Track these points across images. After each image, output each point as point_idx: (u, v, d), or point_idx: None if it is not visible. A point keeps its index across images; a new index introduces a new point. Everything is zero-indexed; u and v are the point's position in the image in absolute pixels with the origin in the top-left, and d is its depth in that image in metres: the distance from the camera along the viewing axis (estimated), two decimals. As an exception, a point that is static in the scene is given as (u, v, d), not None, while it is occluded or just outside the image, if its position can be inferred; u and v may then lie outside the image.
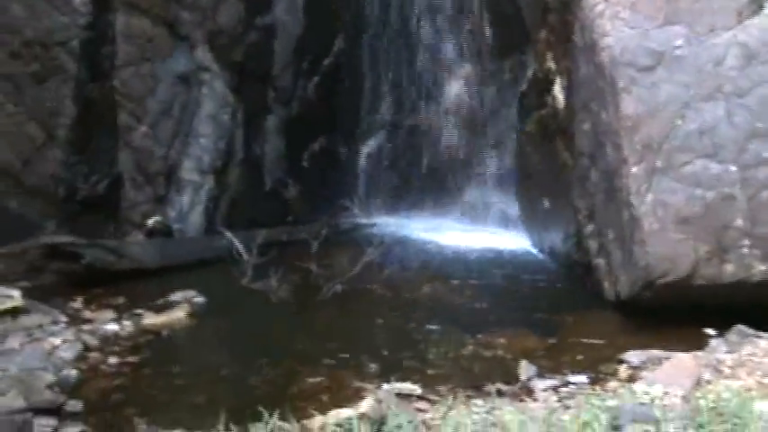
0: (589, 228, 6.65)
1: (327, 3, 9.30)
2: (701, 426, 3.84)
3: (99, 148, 7.91)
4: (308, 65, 9.23)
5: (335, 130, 9.51)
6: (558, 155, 7.28)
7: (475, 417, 4.26)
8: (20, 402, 4.74)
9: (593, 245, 6.59)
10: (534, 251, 7.97)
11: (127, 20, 8.07)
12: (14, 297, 6.27)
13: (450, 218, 9.05)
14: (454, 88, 9.32)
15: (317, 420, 4.34)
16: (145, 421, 4.69)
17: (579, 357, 5.53)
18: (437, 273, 7.35)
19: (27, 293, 6.36)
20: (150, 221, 7.94)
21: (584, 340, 5.80)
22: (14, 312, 6.08)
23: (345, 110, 9.58)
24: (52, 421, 4.66)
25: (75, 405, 4.90)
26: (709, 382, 4.75)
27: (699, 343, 5.38)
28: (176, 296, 6.63)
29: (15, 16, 7.74)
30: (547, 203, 7.72)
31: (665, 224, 5.65)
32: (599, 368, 5.28)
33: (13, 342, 5.64)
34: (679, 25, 5.95)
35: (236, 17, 8.58)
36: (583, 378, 5.15)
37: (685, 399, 4.46)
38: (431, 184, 9.38)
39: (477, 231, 8.62)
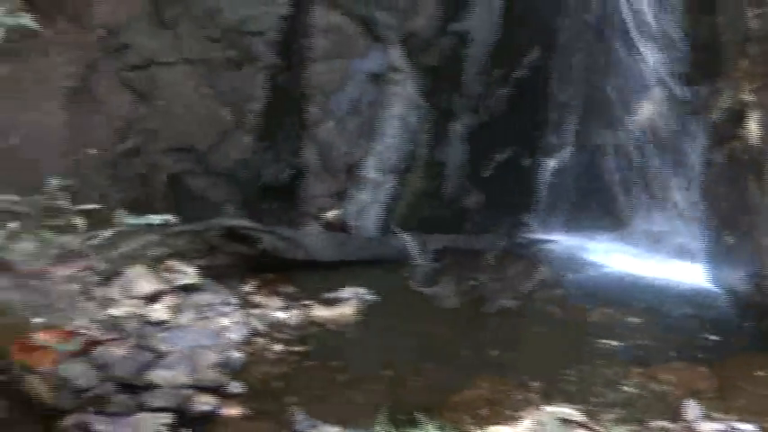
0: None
1: (523, 14, 9.16)
2: None
3: (285, 137, 8.02)
4: (500, 74, 9.11)
5: (520, 143, 9.35)
6: (747, 191, 6.94)
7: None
8: (184, 378, 4.80)
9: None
10: (711, 287, 7.62)
11: (325, 15, 8.16)
12: (190, 274, 6.39)
13: (627, 242, 8.76)
14: (644, 111, 9.04)
15: (476, 436, 4.23)
16: (302, 411, 4.66)
17: (749, 404, 5.20)
18: (609, 298, 7.08)
19: (202, 272, 6.48)
20: (328, 215, 7.98)
21: (757, 387, 5.47)
22: (188, 289, 6.20)
23: (532, 123, 9.41)
24: (214, 400, 4.70)
25: (237, 387, 4.93)
26: None
27: None
28: (346, 292, 6.61)
29: (216, 3, 7.91)
30: (730, 239, 7.37)
31: None
32: (769, 419, 4.98)
33: (185, 318, 5.74)
34: None
35: (431, 21, 8.56)
36: (751, 427, 4.83)
37: None
38: (611, 206, 9.12)
39: (653, 259, 8.30)
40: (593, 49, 9.17)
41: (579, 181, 9.29)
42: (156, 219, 4.62)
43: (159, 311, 5.76)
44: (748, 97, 6.96)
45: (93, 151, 6.96)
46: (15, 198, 4.55)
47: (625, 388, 5.40)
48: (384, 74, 8.34)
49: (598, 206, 9.12)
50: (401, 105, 8.40)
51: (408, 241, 7.16)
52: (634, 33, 8.99)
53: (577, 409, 4.87)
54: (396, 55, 8.37)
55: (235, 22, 7.88)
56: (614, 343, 6.15)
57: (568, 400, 5.03)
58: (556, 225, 9.13)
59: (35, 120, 6.68)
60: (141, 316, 5.67)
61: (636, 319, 6.66)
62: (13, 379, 4.40)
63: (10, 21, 4.14)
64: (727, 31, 7.43)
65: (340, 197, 8.11)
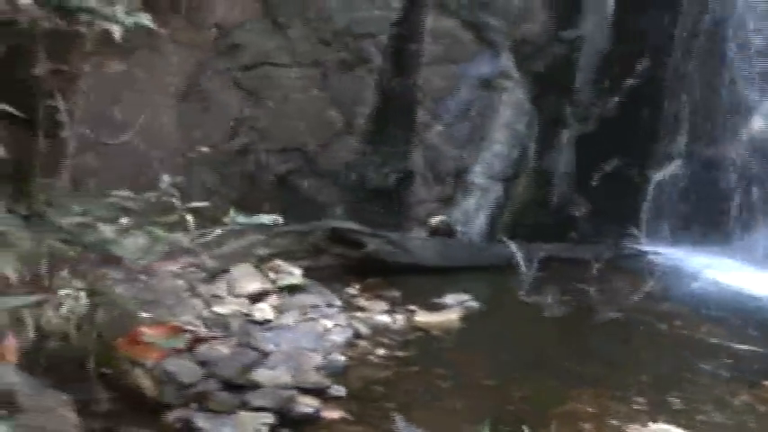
0: None
1: (636, 22, 9.02)
2: None
3: (394, 141, 8.04)
4: (610, 83, 9.00)
5: (629, 153, 9.21)
6: None
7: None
8: (287, 379, 4.81)
9: None
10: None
11: (436, 19, 8.16)
12: (295, 274, 6.43)
13: (736, 257, 8.58)
14: (757, 124, 8.84)
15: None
16: (403, 418, 4.63)
17: None
18: (716, 313, 6.94)
19: (307, 273, 6.51)
20: (435, 220, 7.97)
21: None
22: (293, 289, 6.23)
23: (642, 133, 9.27)
24: (315, 402, 4.68)
25: (338, 390, 4.92)
26: None
27: None
28: (450, 298, 6.58)
29: (329, 6, 7.97)
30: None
31: None
32: None
33: (288, 319, 5.76)
34: None
35: (542, 27, 8.51)
36: None
37: None
38: (719, 219, 8.94)
39: (762, 274, 8.11)
40: (707, 58, 9.02)
41: (688, 193, 9.14)
42: (265, 219, 4.66)
43: (263, 311, 5.80)
44: None
45: (205, 149, 7.04)
46: (128, 194, 4.62)
47: (733, 408, 5.24)
48: (494, 80, 8.32)
49: (706, 219, 8.96)
50: (510, 112, 8.36)
51: (513, 249, 7.09)
52: (750, 41, 8.83)
53: (683, 428, 4.77)
54: (506, 61, 8.34)
55: (347, 25, 7.93)
56: (722, 360, 6.00)
57: (674, 417, 4.91)
58: (663, 237, 8.99)
59: (148, 117, 6.77)
60: (245, 315, 5.71)
61: (744, 337, 6.51)
62: (119, 372, 4.47)
63: (130, 20, 4.20)
64: None
65: (446, 203, 8.10)
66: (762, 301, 7.41)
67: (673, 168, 9.30)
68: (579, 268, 7.15)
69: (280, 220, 4.78)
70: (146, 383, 4.50)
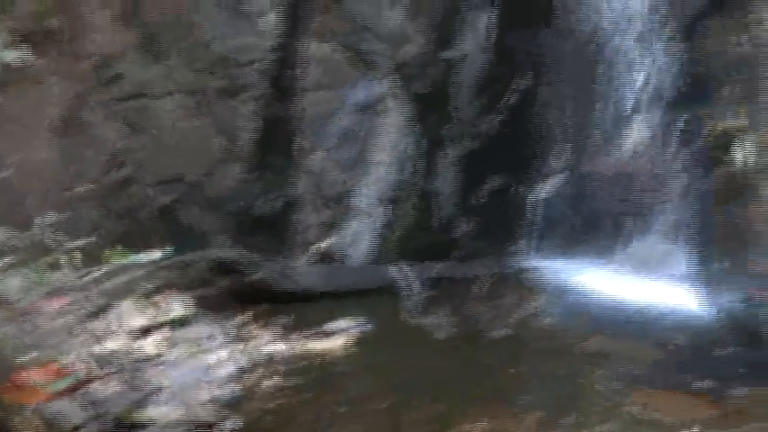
0: (764, 294, 6.31)
1: (514, 40, 9.17)
2: None
3: (277, 167, 7.99)
4: (491, 102, 9.11)
5: (513, 170, 9.34)
6: (739, 215, 6.97)
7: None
8: (178, 415, 4.75)
9: (764, 314, 6.25)
10: (704, 312, 7.60)
11: (316, 45, 8.15)
12: (181, 307, 6.35)
13: (620, 268, 8.75)
14: (633, 137, 9.05)
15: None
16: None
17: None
18: (602, 324, 7.04)
19: (194, 305, 6.43)
20: (321, 245, 7.95)
21: (754, 415, 5.42)
22: (181, 322, 6.15)
23: (525, 150, 9.41)
24: (208, 437, 4.64)
25: (232, 423, 4.87)
26: None
27: None
28: (339, 323, 6.57)
29: (208, 33, 7.90)
30: (722, 263, 7.38)
31: None
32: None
33: (177, 352, 5.69)
34: None
35: (422, 49, 8.57)
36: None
37: None
38: (603, 232, 9.11)
39: (647, 284, 8.29)
40: (583, 76, 9.20)
41: (572, 208, 9.29)
42: (145, 256, 4.60)
43: (151, 346, 5.71)
44: (737, 123, 6.99)
45: (85, 187, 6.91)
46: (6, 233, 4.51)
47: (623, 417, 5.34)
48: (376, 103, 8.33)
49: (591, 232, 9.12)
50: (393, 134, 8.40)
51: (401, 270, 7.12)
52: (621, 59, 9.04)
53: (577, 439, 4.85)
54: (387, 84, 8.37)
55: (226, 52, 7.86)
56: (611, 371, 6.10)
57: (567, 430, 5.01)
58: (548, 252, 9.11)
59: (26, 152, 6.63)
60: (133, 351, 5.62)
61: (631, 347, 6.62)
62: (2, 418, 4.34)
63: (10, 55, 4.12)
64: (715, 58, 7.46)
65: (332, 227, 8.08)
66: (645, 310, 7.57)
67: (555, 183, 9.46)
68: (467, 287, 7.22)
69: (161, 254, 4.72)
70: (31, 428, 4.38)
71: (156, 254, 4.63)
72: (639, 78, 8.92)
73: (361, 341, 6.39)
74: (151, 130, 7.86)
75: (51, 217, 4.62)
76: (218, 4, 7.84)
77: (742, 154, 6.91)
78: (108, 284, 5.64)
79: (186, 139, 7.87)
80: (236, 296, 6.94)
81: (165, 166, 7.86)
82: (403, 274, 7.09)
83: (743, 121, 6.97)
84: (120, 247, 4.64)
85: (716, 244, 7.56)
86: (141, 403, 4.87)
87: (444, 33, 8.70)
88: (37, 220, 4.59)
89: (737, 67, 6.87)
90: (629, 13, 8.98)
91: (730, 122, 7.09)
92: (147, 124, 7.88)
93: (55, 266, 4.51)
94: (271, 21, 7.86)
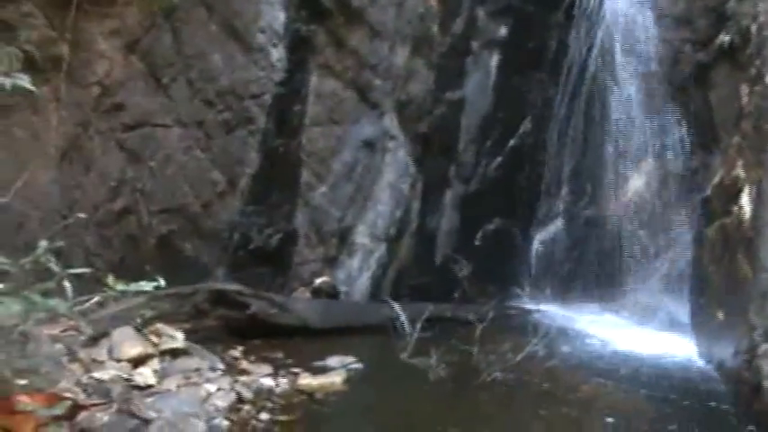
0: (764, 347, 6.26)
1: (517, 85, 9.22)
2: None
3: (277, 201, 8.01)
4: (492, 144, 9.16)
5: (512, 213, 9.36)
6: (737, 266, 6.92)
7: None
8: (170, 446, 4.72)
9: (765, 366, 6.20)
10: (701, 362, 7.57)
11: (320, 81, 8.20)
12: (177, 338, 6.32)
13: (617, 314, 8.77)
14: (636, 183, 9.08)
15: None
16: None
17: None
18: (599, 372, 7.03)
19: (189, 336, 6.41)
20: (318, 281, 7.95)
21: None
22: (175, 353, 6.12)
23: (524, 193, 9.44)
24: (199, 469, 4.61)
25: (222, 456, 4.86)
26: None
27: None
28: (334, 360, 6.56)
29: (214, 65, 7.94)
30: (720, 315, 7.34)
31: None
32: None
33: (171, 383, 5.65)
34: None
35: (426, 89, 8.61)
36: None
37: None
38: (601, 277, 9.12)
39: (643, 332, 8.29)
40: (587, 121, 9.24)
41: (571, 252, 9.31)
42: (143, 285, 4.58)
43: (145, 376, 5.68)
44: (741, 173, 6.98)
45: (83, 215, 6.91)
46: (4, 259, 4.50)
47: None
48: (378, 141, 8.36)
49: (588, 277, 9.13)
50: (394, 172, 8.42)
51: (397, 309, 7.11)
52: (627, 106, 9.07)
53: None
54: (390, 122, 8.40)
55: (230, 86, 7.90)
56: (607, 419, 6.07)
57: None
58: (546, 296, 9.12)
59: (27, 178, 6.63)
60: (127, 380, 5.59)
61: (627, 394, 6.59)
62: (-6, 443, 4.32)
63: (8, 82, 4.13)
64: (721, 107, 7.47)
65: (330, 263, 8.08)
66: (641, 358, 7.55)
67: (554, 228, 9.49)
68: (464, 328, 7.18)
69: (160, 283, 4.70)
70: (22, 455, 4.36)
71: (153, 284, 4.60)
72: (644, 125, 8.96)
73: (355, 379, 6.35)
74: (152, 160, 7.89)
75: (50, 243, 4.59)
76: (227, 36, 7.88)
77: (747, 205, 6.89)
78: (104, 313, 5.64)
79: (187, 171, 7.89)
80: (231, 329, 6.94)
81: (165, 196, 7.89)
82: (399, 312, 7.06)
83: (748, 172, 6.96)
84: (117, 276, 4.60)
85: (715, 294, 7.54)
86: (133, 433, 4.84)
87: (448, 74, 8.74)
88: (36, 246, 4.57)
89: (744, 118, 6.88)
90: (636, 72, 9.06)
91: (735, 172, 7.08)
92: (149, 154, 7.91)
93: (52, 293, 4.48)
94: (277, 55, 7.88)
